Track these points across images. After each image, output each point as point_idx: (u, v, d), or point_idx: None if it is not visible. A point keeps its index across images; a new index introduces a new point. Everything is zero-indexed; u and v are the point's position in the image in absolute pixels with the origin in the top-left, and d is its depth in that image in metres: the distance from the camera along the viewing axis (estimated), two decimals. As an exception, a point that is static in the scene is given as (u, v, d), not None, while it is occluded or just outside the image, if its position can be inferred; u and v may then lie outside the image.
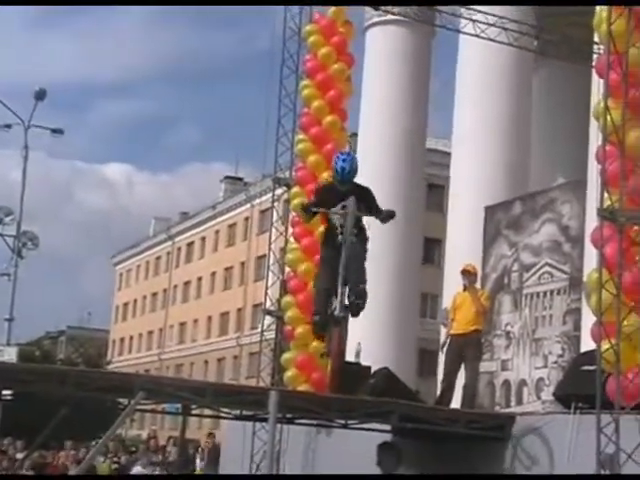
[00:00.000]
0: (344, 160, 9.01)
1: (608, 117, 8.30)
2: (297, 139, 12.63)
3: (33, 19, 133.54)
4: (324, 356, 10.20)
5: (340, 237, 8.77)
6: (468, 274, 11.51)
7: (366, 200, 8.93)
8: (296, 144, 12.65)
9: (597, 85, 9.28)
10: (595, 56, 11.84)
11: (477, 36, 14.06)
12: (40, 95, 24.92)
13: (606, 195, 8.30)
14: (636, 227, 8.24)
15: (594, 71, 10.16)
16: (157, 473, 20.51)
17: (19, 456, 17.00)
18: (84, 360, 49.96)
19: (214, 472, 18.59)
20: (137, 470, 20.66)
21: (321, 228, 9.80)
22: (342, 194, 8.89)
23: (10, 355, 21.48)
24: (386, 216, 9.05)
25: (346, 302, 8.88)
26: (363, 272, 8.85)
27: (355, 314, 8.97)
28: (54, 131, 26.67)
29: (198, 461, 23.03)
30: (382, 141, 19.42)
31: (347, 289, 8.81)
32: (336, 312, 8.86)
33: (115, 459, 22.74)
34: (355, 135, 19.65)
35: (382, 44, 19.68)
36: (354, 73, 13.26)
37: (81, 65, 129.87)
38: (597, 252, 8.40)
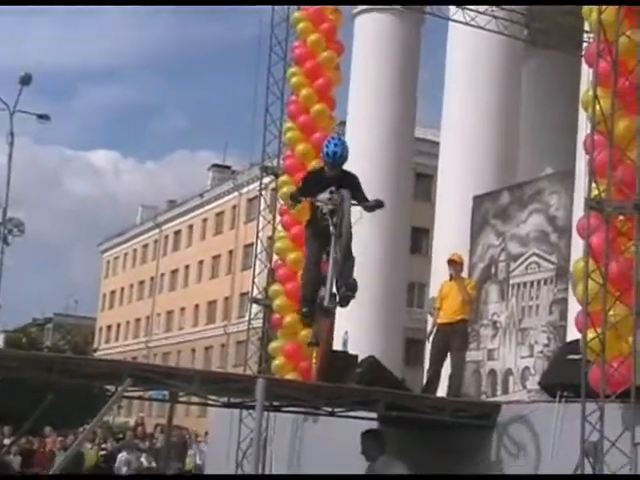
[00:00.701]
0: (335, 145, 8.85)
1: (597, 106, 8.29)
2: (285, 127, 12.59)
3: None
4: (311, 345, 10.20)
5: (331, 227, 8.71)
6: (454, 264, 11.53)
7: (353, 188, 8.82)
8: (284, 132, 12.62)
9: (586, 74, 9.28)
10: (585, 45, 11.84)
11: (467, 24, 14.02)
12: (25, 80, 24.69)
13: (594, 185, 8.31)
14: (622, 217, 8.27)
15: (584, 60, 10.14)
16: (143, 459, 20.60)
17: (6, 442, 16.97)
18: (71, 347, 49.89)
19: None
20: (122, 456, 20.73)
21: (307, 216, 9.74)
22: (330, 180, 8.85)
23: (-3, 342, 21.44)
24: (373, 205, 8.95)
25: (334, 293, 8.87)
26: (353, 263, 8.83)
27: (345, 305, 8.93)
28: (40, 117, 26.50)
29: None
30: (370, 130, 19.35)
31: (336, 280, 8.79)
32: (325, 302, 8.86)
33: (103, 446, 22.82)
34: (343, 123, 19.60)
35: (371, 31, 19.57)
36: (342, 60, 13.22)
37: (67, 50, 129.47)
38: (584, 242, 8.43)
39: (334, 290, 8.77)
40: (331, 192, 8.71)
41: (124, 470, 20.33)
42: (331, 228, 8.65)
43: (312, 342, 9.91)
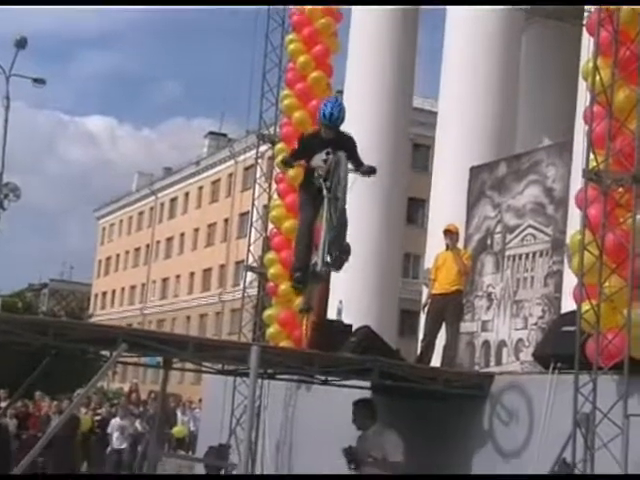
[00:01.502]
0: (332, 106, 8.73)
1: (597, 77, 8.21)
2: (282, 95, 12.52)
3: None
4: (303, 311, 10.16)
5: (324, 191, 8.63)
6: (450, 234, 11.50)
7: (348, 150, 8.72)
8: (281, 100, 12.55)
9: (587, 44, 9.19)
10: (586, 14, 11.74)
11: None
12: (21, 43, 24.43)
13: (592, 157, 8.26)
14: (621, 189, 8.23)
15: (584, 29, 10.05)
16: (137, 425, 20.70)
17: (2, 405, 17.04)
18: (66, 313, 50.03)
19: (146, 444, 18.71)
20: (115, 422, 20.86)
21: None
22: (326, 142, 8.76)
23: (-6, 306, 21.48)
24: (367, 170, 8.88)
25: (327, 258, 8.80)
26: (346, 227, 8.76)
27: (338, 269, 8.86)
28: (35, 81, 26.32)
29: (179, 414, 23.32)
30: (368, 99, 19.22)
31: (329, 245, 8.72)
32: (317, 268, 8.80)
33: (98, 411, 22.94)
34: (340, 92, 19.48)
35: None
36: (341, 29, 13.13)
37: (64, 14, 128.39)
38: (581, 213, 8.39)
39: (327, 256, 8.71)
40: (327, 154, 8.62)
41: (116, 435, 20.52)
42: (324, 191, 8.57)
43: (304, 308, 9.87)
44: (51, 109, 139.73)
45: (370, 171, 8.90)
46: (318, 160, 8.72)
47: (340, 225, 8.58)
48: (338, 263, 8.75)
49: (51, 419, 19.56)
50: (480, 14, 16.66)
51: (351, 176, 8.71)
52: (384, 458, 9.44)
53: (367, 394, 10.57)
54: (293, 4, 12.59)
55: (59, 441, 17.89)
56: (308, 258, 8.89)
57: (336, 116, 8.68)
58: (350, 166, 8.70)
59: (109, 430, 20.86)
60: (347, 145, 8.79)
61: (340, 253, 8.66)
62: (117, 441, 20.50)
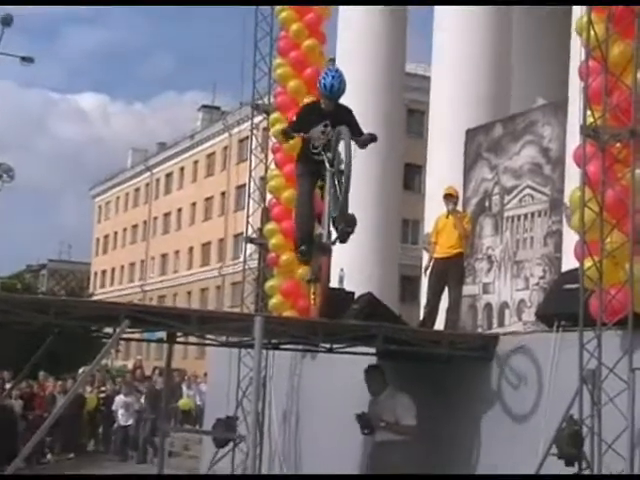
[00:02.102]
0: (333, 77, 8.68)
1: (591, 32, 8.14)
2: (275, 64, 12.43)
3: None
4: (310, 282, 10.15)
5: (327, 164, 8.56)
6: (451, 197, 11.48)
7: (349, 122, 8.66)
8: (274, 69, 12.46)
9: None
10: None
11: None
12: (6, 21, 24.22)
13: (589, 113, 8.21)
14: (618, 144, 8.20)
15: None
16: (143, 401, 20.82)
17: (8, 386, 17.11)
18: (66, 293, 50.08)
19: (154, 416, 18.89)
20: (120, 399, 21.02)
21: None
22: (325, 114, 8.71)
23: (-7, 288, 21.50)
24: (366, 140, 8.78)
25: (333, 231, 8.77)
26: (348, 199, 8.70)
27: (344, 241, 8.83)
28: (24, 59, 26.08)
29: (184, 389, 23.42)
30: (360, 66, 19.09)
31: (334, 217, 8.68)
32: (323, 239, 8.78)
33: (102, 389, 23.05)
34: (333, 60, 19.38)
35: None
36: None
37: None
38: (580, 170, 8.36)
39: (331, 228, 8.70)
40: (325, 125, 8.58)
41: (121, 412, 20.68)
42: (327, 163, 8.53)
43: (311, 279, 9.86)
44: (41, 87, 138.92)
45: (370, 140, 8.82)
46: (316, 132, 8.69)
47: (345, 198, 8.54)
48: (344, 235, 8.73)
49: (56, 399, 19.68)
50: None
51: (353, 147, 8.65)
52: (396, 422, 9.51)
53: (372, 360, 10.61)
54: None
55: (65, 420, 18.09)
56: (311, 230, 8.91)
57: (337, 87, 8.65)
58: (361, 139, 8.65)
59: (114, 407, 21.04)
60: (347, 117, 8.74)
61: (346, 225, 8.63)
62: (123, 418, 20.73)
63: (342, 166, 8.39)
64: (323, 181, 8.79)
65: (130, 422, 20.63)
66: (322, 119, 8.65)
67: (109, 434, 21.72)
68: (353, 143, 8.57)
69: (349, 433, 10.81)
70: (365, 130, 8.95)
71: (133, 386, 22.17)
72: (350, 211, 8.67)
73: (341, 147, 8.41)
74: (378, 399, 9.75)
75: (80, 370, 22.23)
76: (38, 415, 18.53)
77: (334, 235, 8.79)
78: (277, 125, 12.05)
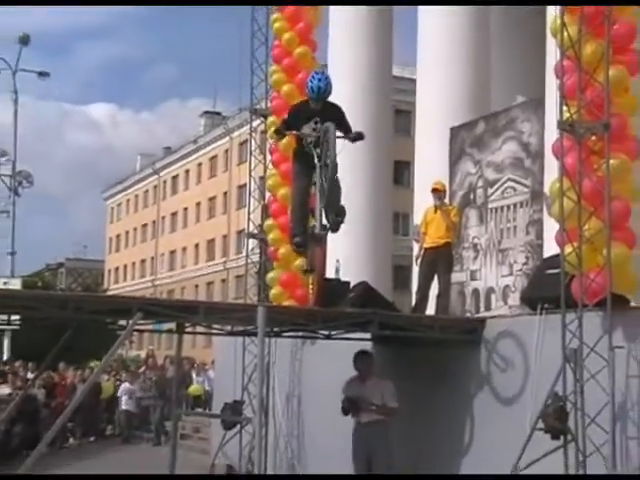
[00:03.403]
0: (319, 79, 8.69)
1: (565, 33, 8.12)
2: (271, 70, 12.41)
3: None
4: (307, 273, 10.11)
5: (316, 159, 8.55)
6: (438, 192, 11.45)
7: (337, 118, 8.65)
8: (270, 75, 12.43)
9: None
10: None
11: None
12: (24, 40, 24.41)
13: (565, 109, 8.18)
14: (594, 137, 8.16)
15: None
16: (153, 390, 20.88)
17: (30, 376, 17.19)
18: (83, 289, 49.97)
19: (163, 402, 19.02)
20: (125, 386, 21.33)
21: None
22: (314, 112, 8.67)
23: (15, 286, 21.50)
24: (356, 136, 8.80)
25: (325, 221, 8.75)
26: (340, 191, 8.68)
27: (335, 230, 8.81)
28: (40, 74, 26.20)
29: (194, 376, 23.39)
30: (351, 70, 19.12)
31: (325, 209, 8.65)
32: (316, 230, 8.75)
33: (117, 377, 23.08)
34: (325, 66, 19.34)
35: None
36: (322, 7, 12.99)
37: (62, 10, 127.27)
38: (558, 163, 8.33)
39: (324, 218, 8.66)
40: (315, 122, 8.55)
41: (125, 399, 20.92)
42: (315, 159, 8.50)
43: (307, 269, 9.81)
44: (55, 99, 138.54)
45: (358, 137, 8.84)
46: (308, 129, 8.66)
47: (332, 190, 8.49)
48: (335, 225, 8.72)
49: (76, 387, 19.70)
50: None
51: (339, 142, 8.59)
52: (384, 404, 9.48)
53: (368, 345, 10.56)
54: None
55: (85, 407, 18.15)
56: (305, 223, 8.88)
57: (323, 89, 8.65)
58: (339, 133, 8.61)
59: (119, 394, 21.33)
60: (335, 114, 8.72)
61: (336, 215, 8.62)
62: (126, 403, 21.06)
63: (328, 160, 8.35)
64: None
65: (132, 407, 21.17)
66: (312, 117, 8.63)
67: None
68: (341, 140, 8.56)
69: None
70: (356, 129, 8.93)
71: (136, 375, 22.75)
72: (341, 201, 8.64)
73: (327, 142, 8.38)
74: (367, 383, 9.68)
75: (97, 362, 22.29)
76: (60, 403, 18.56)
77: (327, 226, 8.75)
78: (273, 127, 11.99)
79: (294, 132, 8.76)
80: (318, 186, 8.58)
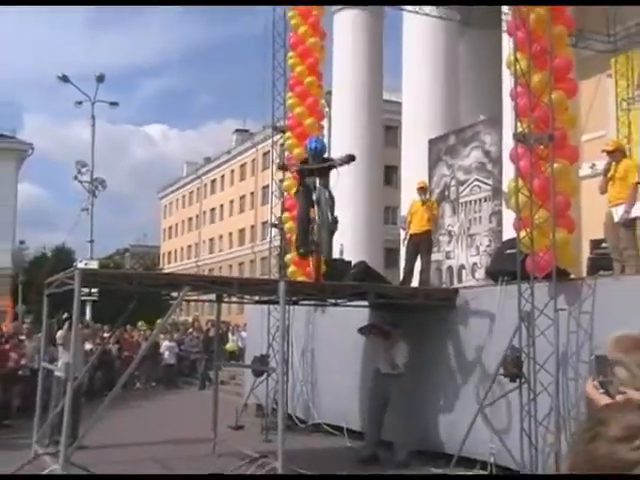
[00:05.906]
0: (316, 141, 9.28)
1: (517, 66, 8.13)
2: (287, 96, 12.37)
3: (90, 20, 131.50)
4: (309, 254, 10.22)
5: (314, 195, 8.95)
6: (423, 190, 11.45)
7: (331, 165, 9.06)
8: (287, 100, 12.40)
9: (507, 43, 9.05)
10: (504, 20, 11.57)
11: (416, 12, 13.78)
12: (100, 78, 24.78)
13: (519, 124, 8.18)
14: (541, 146, 8.13)
15: (506, 32, 9.90)
16: (199, 347, 20.88)
17: (106, 335, 17.38)
18: (144, 269, 50.06)
19: (207, 356, 18.96)
20: (166, 344, 21.31)
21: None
22: (312, 170, 9.13)
23: (93, 266, 21.66)
24: (345, 159, 9.06)
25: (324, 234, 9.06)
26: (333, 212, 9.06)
27: (332, 234, 9.18)
28: (111, 104, 26.55)
29: (230, 335, 23.42)
30: (350, 96, 19.21)
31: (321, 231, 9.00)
32: (316, 238, 9.06)
33: (170, 336, 23.04)
34: (330, 93, 19.39)
35: (347, 23, 19.46)
36: (327, 45, 12.93)
37: (126, 53, 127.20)
38: (514, 166, 8.32)
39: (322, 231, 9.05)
40: (313, 170, 9.09)
41: (166, 355, 20.96)
42: (313, 195, 8.98)
43: (302, 252, 9.86)
44: (122, 123, 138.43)
45: (347, 160, 9.07)
46: (309, 180, 9.13)
47: (329, 211, 8.95)
48: (334, 229, 9.19)
49: (141, 344, 19.76)
50: (427, 28, 16.60)
51: (335, 173, 9.07)
52: (397, 364, 9.46)
53: (366, 311, 10.56)
54: (290, 4, 12.29)
55: (148, 359, 18.20)
56: (307, 235, 9.17)
57: (319, 149, 9.22)
58: (332, 165, 9.05)
59: (162, 350, 21.22)
60: (328, 165, 9.10)
61: (334, 224, 9.10)
62: (167, 357, 21.08)
63: (323, 206, 8.87)
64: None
65: (172, 361, 21.10)
66: (311, 173, 9.08)
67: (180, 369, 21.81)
68: (338, 165, 8.99)
69: (349, 364, 10.80)
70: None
71: (173, 335, 22.60)
72: (335, 214, 9.10)
73: (319, 203, 8.92)
74: (389, 341, 9.60)
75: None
76: (128, 356, 18.62)
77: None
78: (289, 141, 12.06)
79: (294, 168, 9.24)
80: (317, 219, 8.94)
